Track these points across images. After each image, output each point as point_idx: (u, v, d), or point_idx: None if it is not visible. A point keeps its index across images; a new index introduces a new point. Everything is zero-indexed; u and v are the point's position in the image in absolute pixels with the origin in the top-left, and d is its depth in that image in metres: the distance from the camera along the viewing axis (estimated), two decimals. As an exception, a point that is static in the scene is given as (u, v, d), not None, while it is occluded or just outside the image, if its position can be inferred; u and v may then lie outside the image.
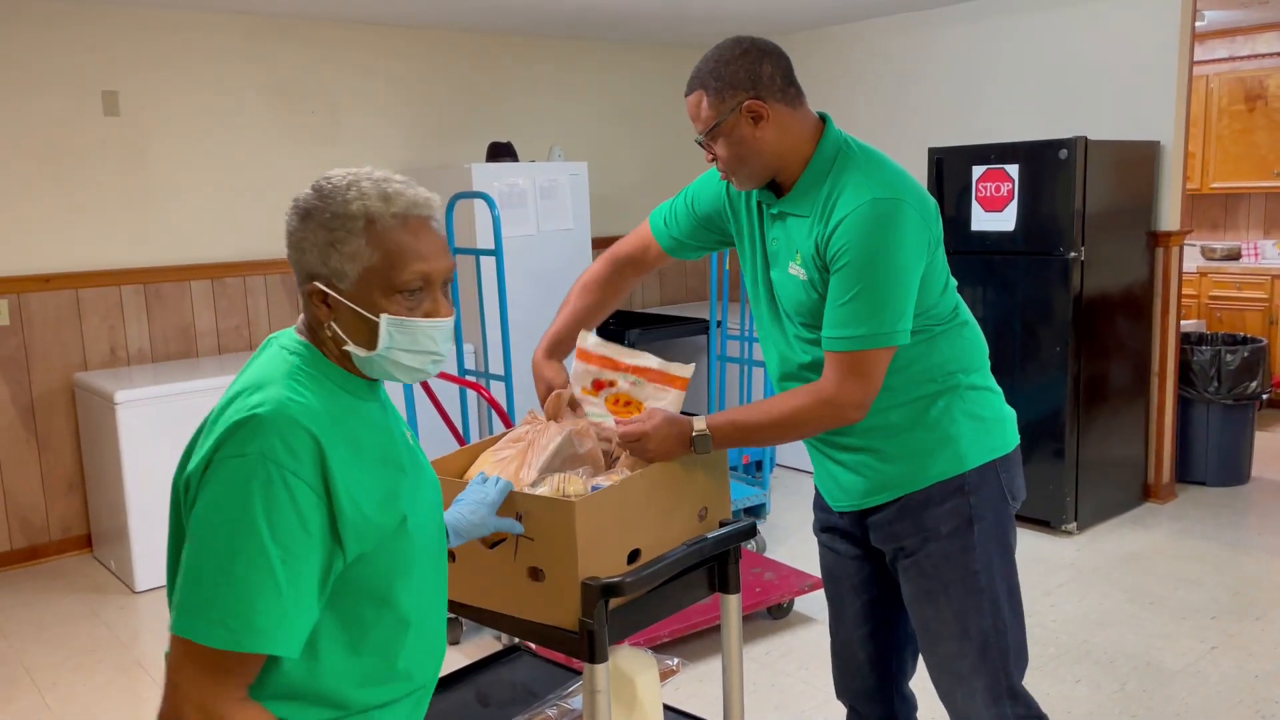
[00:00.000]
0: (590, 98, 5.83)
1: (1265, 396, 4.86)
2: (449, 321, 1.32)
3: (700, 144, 1.80)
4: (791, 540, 4.28)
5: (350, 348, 1.29)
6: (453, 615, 3.32)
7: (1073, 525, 4.22)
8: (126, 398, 3.85)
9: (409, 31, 5.10)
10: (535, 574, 1.60)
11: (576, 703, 1.92)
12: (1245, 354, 4.71)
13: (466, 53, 5.31)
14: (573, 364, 1.94)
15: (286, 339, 1.34)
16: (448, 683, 2.14)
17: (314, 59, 4.83)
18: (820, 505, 1.98)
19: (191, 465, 1.22)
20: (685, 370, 1.86)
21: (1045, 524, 4.26)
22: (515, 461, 1.73)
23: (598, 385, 1.91)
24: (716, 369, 4.56)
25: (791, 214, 1.77)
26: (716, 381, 4.60)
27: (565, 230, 4.98)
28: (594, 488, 1.64)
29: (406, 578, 1.31)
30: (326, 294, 1.27)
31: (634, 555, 1.65)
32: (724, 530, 1.77)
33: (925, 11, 5.11)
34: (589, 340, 1.94)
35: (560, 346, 2.02)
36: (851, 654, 1.98)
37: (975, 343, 1.85)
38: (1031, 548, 4.08)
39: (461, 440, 3.40)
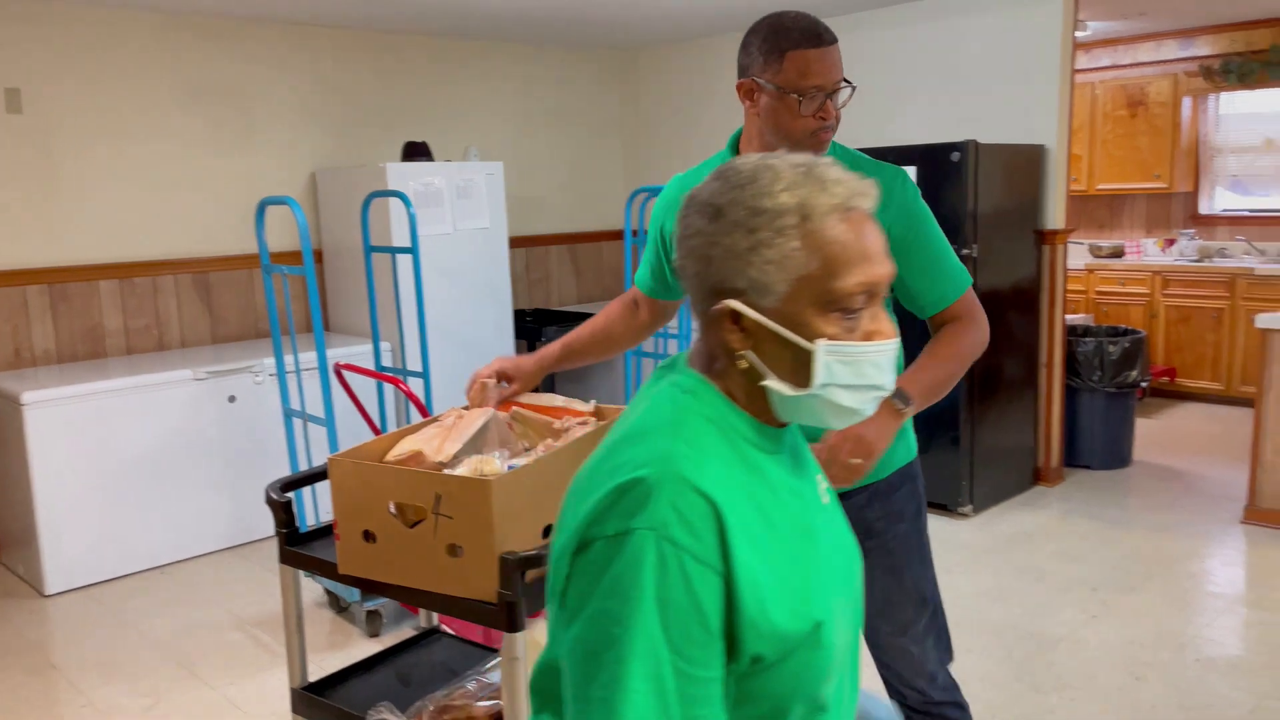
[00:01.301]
0: (507, 99, 5.90)
1: (1145, 385, 5.19)
2: (895, 344, 1.02)
3: (830, 94, 1.73)
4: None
5: (772, 383, 1.00)
6: (372, 608, 3.39)
7: (969, 508, 4.46)
8: (33, 399, 3.79)
9: (324, 30, 5.10)
10: (454, 550, 1.69)
11: (495, 677, 2.01)
12: (1126, 345, 5.02)
13: (383, 52, 5.34)
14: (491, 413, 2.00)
15: (682, 373, 1.06)
16: (368, 665, 2.21)
17: (226, 57, 4.80)
18: None
19: (561, 540, 0.98)
20: (587, 406, 1.98)
21: (943, 507, 4.49)
22: (438, 439, 1.82)
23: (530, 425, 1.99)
24: (633, 364, 4.68)
25: None
26: (633, 376, 4.72)
27: (481, 229, 5.04)
28: (510, 467, 1.74)
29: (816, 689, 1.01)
30: (741, 315, 0.99)
31: (548, 530, 1.75)
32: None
33: (834, 19, 5.31)
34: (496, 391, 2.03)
35: (548, 359, 2.04)
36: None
37: None
38: (930, 529, 4.29)
39: (378, 431, 3.46)
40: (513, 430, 1.97)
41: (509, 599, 1.65)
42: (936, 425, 4.43)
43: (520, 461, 1.77)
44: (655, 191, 4.11)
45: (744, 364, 1.00)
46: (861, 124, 5.23)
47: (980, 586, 3.74)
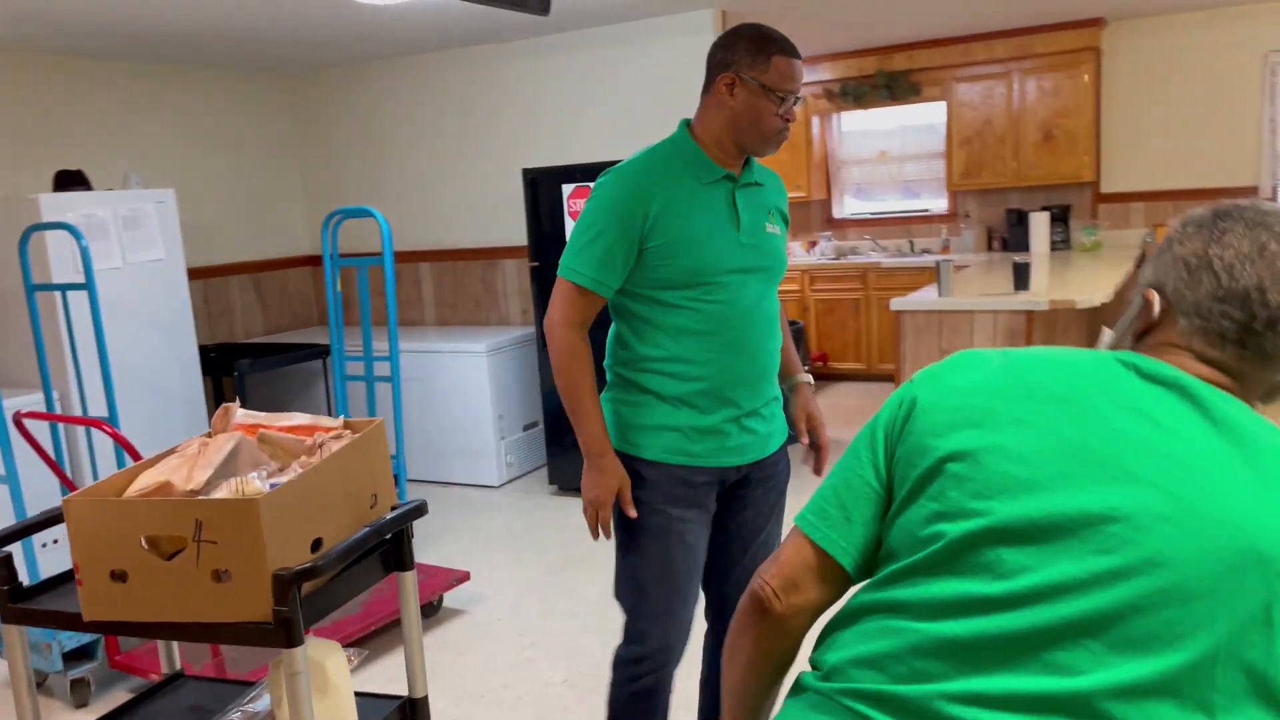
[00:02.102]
0: (171, 123, 5.53)
1: (807, 369, 5.89)
2: None
3: (798, 99, 2.05)
4: (431, 546, 4.44)
5: None
6: (77, 675, 3.09)
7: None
8: None
9: (-60, 47, 4.52)
10: (219, 576, 1.66)
11: (262, 705, 1.96)
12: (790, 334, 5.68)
13: (21, 73, 4.82)
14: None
15: None
16: None
17: None
18: (687, 486, 2.10)
19: None
20: (335, 421, 2.01)
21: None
22: (185, 468, 1.77)
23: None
24: (344, 390, 4.59)
25: (758, 182, 2.16)
26: (333, 404, 4.62)
27: (156, 261, 4.70)
28: (273, 485, 1.73)
29: None
30: None
31: (317, 544, 1.77)
32: (398, 511, 1.94)
33: (511, 43, 5.53)
34: (239, 414, 2.00)
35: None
36: (689, 611, 2.20)
37: None
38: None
39: (71, 485, 3.16)
40: (263, 452, 1.95)
41: (286, 615, 1.65)
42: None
43: (284, 479, 1.77)
44: (350, 214, 4.07)
45: None
46: (543, 143, 5.50)
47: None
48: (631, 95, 5.25)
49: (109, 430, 2.67)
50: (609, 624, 3.52)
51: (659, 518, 2.10)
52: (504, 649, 3.38)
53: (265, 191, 6.09)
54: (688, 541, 2.13)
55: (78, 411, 4.07)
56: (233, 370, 5.07)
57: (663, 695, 2.24)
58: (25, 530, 1.92)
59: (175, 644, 2.28)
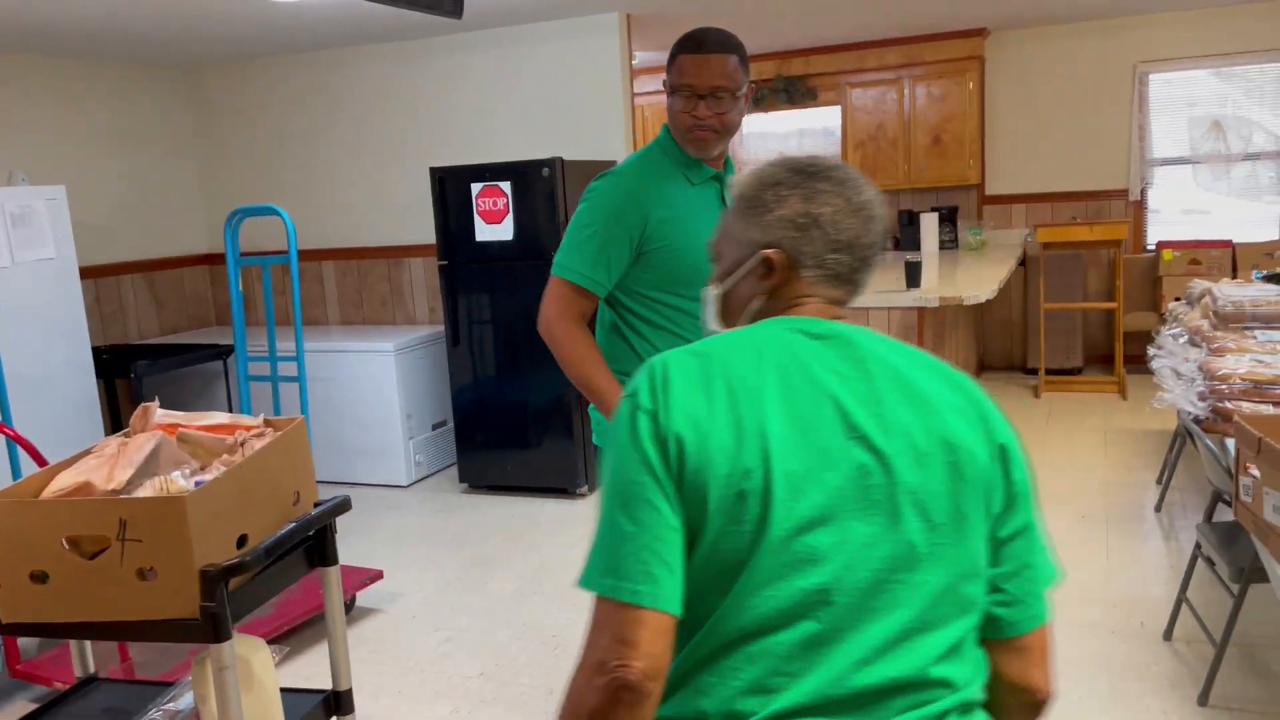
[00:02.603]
0: (61, 119, 5.34)
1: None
2: None
3: (702, 96, 2.00)
4: (343, 546, 4.42)
5: None
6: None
7: (585, 488, 4.92)
8: None
9: None
10: (144, 574, 1.67)
11: (184, 703, 1.97)
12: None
13: (-111, 62, 4.59)
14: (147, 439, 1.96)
15: None
16: None
17: None
18: None
19: (1003, 436, 1.15)
20: (255, 420, 2.02)
21: (563, 490, 4.91)
22: (104, 468, 1.77)
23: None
24: (247, 390, 4.52)
25: (724, 176, 2.18)
26: (236, 405, 4.55)
27: (46, 260, 4.55)
28: (197, 483, 1.75)
29: None
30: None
31: (242, 540, 1.79)
32: (323, 507, 1.97)
33: (419, 40, 5.51)
34: (158, 414, 2.00)
35: None
36: None
37: None
38: (556, 511, 4.70)
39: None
40: (183, 450, 1.95)
41: (214, 610, 1.67)
42: (552, 419, 4.83)
43: (208, 477, 1.79)
44: (253, 212, 4.02)
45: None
46: (458, 142, 5.51)
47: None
48: (539, 96, 5.30)
49: (9, 432, 2.60)
50: (522, 618, 3.58)
51: None
52: (420, 645, 3.41)
53: (161, 189, 5.93)
54: None
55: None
56: (129, 372, 4.94)
57: None
58: None
59: (89, 647, 2.26)
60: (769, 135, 7.87)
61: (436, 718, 2.94)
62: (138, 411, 1.93)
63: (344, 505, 2.01)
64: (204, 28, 4.83)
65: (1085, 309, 6.67)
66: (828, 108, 7.42)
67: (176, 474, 1.78)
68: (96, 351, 5.17)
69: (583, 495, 4.92)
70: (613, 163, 5.22)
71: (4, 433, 2.60)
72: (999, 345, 7.20)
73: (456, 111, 5.50)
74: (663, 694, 1.09)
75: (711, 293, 1.31)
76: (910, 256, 5.59)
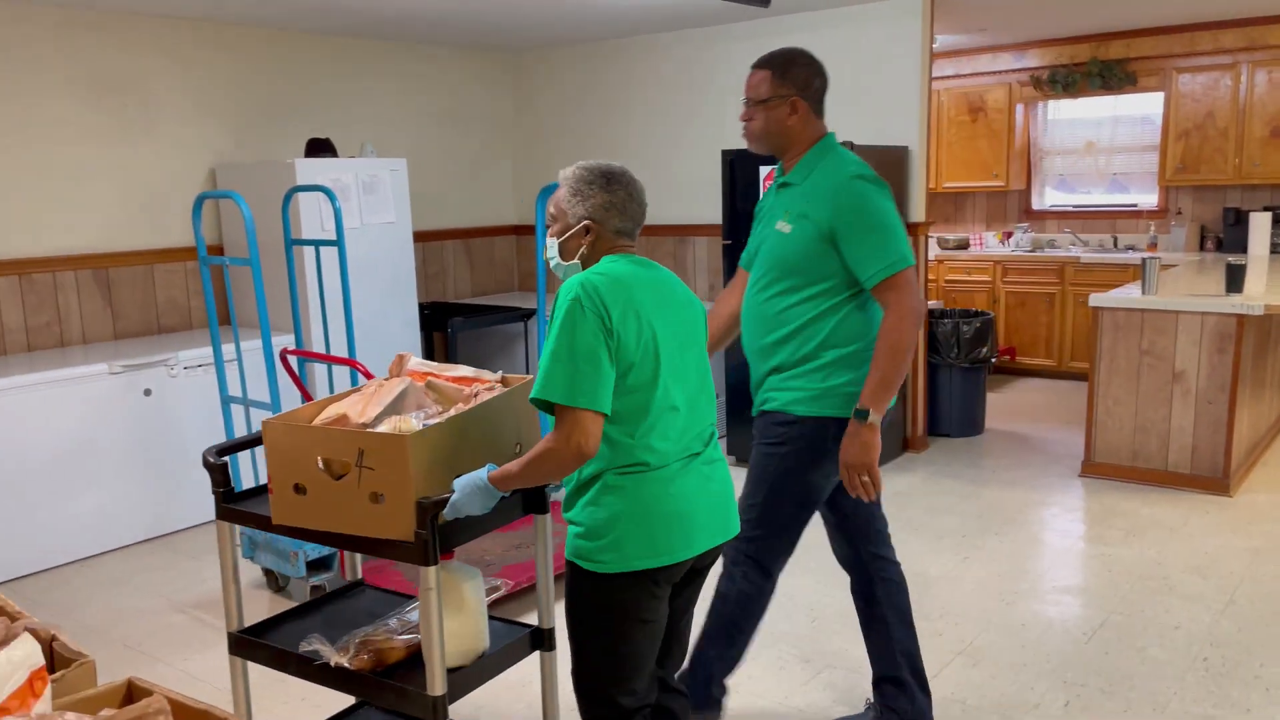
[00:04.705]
0: (404, 97, 6.04)
1: (994, 361, 5.83)
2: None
3: (745, 105, 2.42)
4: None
5: None
6: (317, 583, 3.54)
7: (851, 473, 4.94)
8: (-53, 395, 3.75)
9: (222, 26, 5.13)
10: (375, 498, 1.94)
11: (414, 617, 2.24)
12: (978, 325, 5.64)
13: (280, 49, 5.40)
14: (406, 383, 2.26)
15: None
16: (299, 612, 2.39)
17: (125, 51, 4.78)
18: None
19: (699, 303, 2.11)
20: (494, 375, 2.28)
21: (829, 473, 4.97)
22: (361, 404, 2.09)
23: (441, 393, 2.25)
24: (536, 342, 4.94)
25: (790, 184, 2.39)
26: (532, 365, 4.98)
27: (388, 224, 5.19)
28: (426, 425, 2.01)
29: None
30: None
31: None
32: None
33: (712, 27, 5.72)
34: (412, 361, 2.30)
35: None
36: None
37: None
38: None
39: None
40: (428, 397, 2.23)
41: (424, 537, 1.91)
42: (821, 399, 4.89)
43: (435, 421, 2.05)
44: (565, 187, 4.38)
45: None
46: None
47: (867, 538, 4.20)
48: (835, 80, 5.32)
49: (363, 369, 3.06)
50: (782, 588, 3.70)
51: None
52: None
53: (481, 164, 6.54)
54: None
55: (326, 348, 4.58)
56: (445, 327, 5.53)
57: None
58: (240, 445, 2.29)
59: (358, 555, 2.60)
60: (1078, 122, 7.40)
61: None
62: (395, 360, 2.25)
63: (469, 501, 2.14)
64: (529, 14, 5.27)
65: None
66: (1147, 94, 6.87)
67: (413, 415, 2.06)
68: (420, 307, 5.83)
69: (848, 479, 4.95)
70: (905, 148, 5.17)
71: (359, 369, 3.06)
72: (1336, 364, 6.39)
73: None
74: (610, 454, 1.91)
75: (552, 250, 2.03)
76: (1233, 259, 5.10)
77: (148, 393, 4.32)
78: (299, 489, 2.00)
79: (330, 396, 2.20)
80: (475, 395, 2.18)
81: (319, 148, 5.08)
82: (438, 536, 1.92)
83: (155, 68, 4.89)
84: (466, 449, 2.03)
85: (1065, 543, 4.13)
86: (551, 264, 2.03)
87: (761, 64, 2.39)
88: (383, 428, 1.99)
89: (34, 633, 1.14)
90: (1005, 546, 4.09)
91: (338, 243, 3.94)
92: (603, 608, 1.95)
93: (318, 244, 4.07)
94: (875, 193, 2.28)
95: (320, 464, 1.97)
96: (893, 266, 2.22)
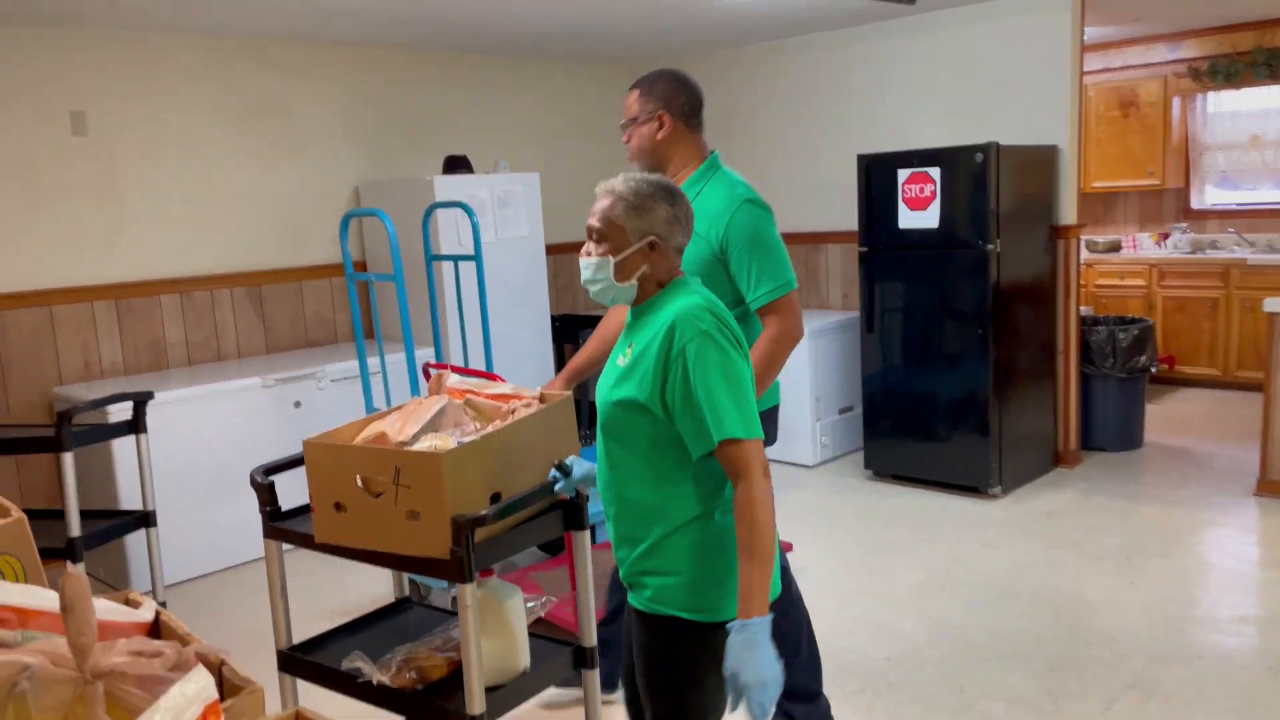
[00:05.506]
0: (536, 112, 6.12)
1: (1153, 370, 5.47)
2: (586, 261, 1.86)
3: (623, 127, 2.54)
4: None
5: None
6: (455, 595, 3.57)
7: (998, 489, 4.71)
8: (118, 409, 3.97)
9: (361, 49, 5.31)
10: (413, 515, 1.92)
11: (456, 634, 2.21)
12: (1135, 332, 5.31)
13: (416, 69, 5.55)
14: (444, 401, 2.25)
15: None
16: (347, 629, 2.40)
17: (274, 78, 5.00)
18: None
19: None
20: (533, 392, 2.24)
21: (974, 489, 4.75)
22: (399, 422, 2.09)
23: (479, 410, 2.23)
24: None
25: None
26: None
27: (522, 238, 5.26)
28: (461, 442, 1.97)
29: None
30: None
31: (496, 498, 1.98)
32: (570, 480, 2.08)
33: (847, 30, 5.58)
34: (452, 379, 2.29)
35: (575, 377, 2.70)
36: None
37: None
38: (965, 510, 4.56)
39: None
40: (466, 414, 2.20)
41: (460, 554, 1.88)
42: (965, 413, 4.68)
43: (470, 439, 2.00)
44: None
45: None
46: (884, 128, 5.50)
47: (1020, 558, 3.99)
48: (975, 78, 5.12)
49: (501, 381, 3.08)
50: (929, 610, 3.54)
51: None
52: (826, 620, 3.50)
53: (610, 174, 6.55)
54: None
55: (464, 362, 4.65)
56: (576, 339, 5.56)
57: None
58: (286, 465, 2.32)
59: (405, 574, 2.57)
60: (1242, 114, 6.90)
61: (845, 693, 3.02)
62: (434, 377, 2.24)
63: (590, 478, 2.08)
64: (656, 24, 5.26)
65: None
66: (1323, 81, 6.34)
67: (450, 433, 2.03)
68: (552, 320, 5.89)
69: (995, 496, 4.72)
70: (1054, 147, 4.91)
71: (493, 380, 3.08)
72: None
73: (885, 96, 5.48)
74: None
75: (585, 270, 1.91)
76: None
77: (297, 405, 4.49)
78: (339, 507, 2.02)
79: (375, 414, 2.22)
80: (512, 412, 2.18)
81: (456, 164, 5.19)
82: (473, 554, 1.90)
83: (299, 90, 5.10)
84: (504, 466, 2.01)
85: (1242, 567, 3.82)
86: (593, 288, 1.84)
87: (634, 84, 2.54)
88: (420, 446, 2.00)
89: (203, 658, 1.15)
90: (1173, 569, 3.81)
91: (475, 257, 4.00)
92: (708, 663, 1.76)
93: (457, 259, 4.14)
94: (765, 216, 2.41)
95: (359, 482, 1.99)
96: (783, 288, 2.37)
